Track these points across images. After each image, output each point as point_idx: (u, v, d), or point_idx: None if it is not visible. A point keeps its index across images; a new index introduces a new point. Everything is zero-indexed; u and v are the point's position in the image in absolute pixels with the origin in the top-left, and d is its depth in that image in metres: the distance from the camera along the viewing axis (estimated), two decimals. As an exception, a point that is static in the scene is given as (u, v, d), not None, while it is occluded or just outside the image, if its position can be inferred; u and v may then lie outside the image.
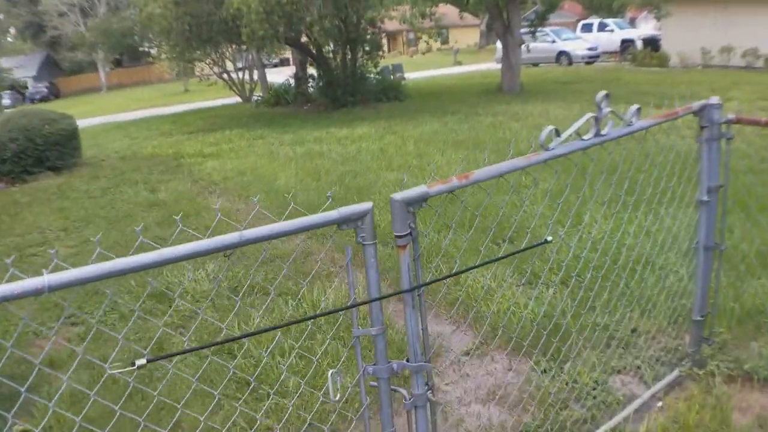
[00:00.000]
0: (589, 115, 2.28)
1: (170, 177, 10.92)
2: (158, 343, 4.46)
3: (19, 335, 4.88)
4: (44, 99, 50.74)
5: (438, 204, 3.82)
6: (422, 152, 10.26)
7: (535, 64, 29.77)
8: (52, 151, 12.64)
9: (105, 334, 4.64)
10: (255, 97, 24.69)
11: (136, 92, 45.10)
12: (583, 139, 2.33)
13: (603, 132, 2.38)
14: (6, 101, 44.87)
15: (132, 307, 5.26)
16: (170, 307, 5.03)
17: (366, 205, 1.84)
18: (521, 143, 9.30)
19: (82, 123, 25.24)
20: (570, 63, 29.44)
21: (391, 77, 22.41)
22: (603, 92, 2.28)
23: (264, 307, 4.89)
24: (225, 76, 25.15)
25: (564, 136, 2.16)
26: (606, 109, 2.28)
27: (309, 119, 17.18)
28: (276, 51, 20.87)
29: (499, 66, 19.01)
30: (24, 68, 52.68)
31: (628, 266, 4.06)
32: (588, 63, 29.27)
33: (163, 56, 20.03)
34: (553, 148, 2.17)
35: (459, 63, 37.70)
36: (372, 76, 19.92)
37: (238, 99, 25.70)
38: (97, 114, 30.15)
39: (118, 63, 59.28)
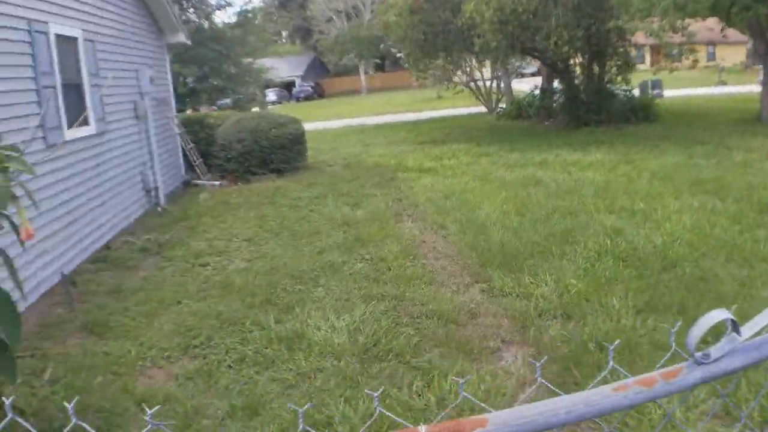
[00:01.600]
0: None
1: (378, 192, 10.39)
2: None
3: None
4: (308, 97, 54.39)
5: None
6: (654, 192, 8.55)
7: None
8: (276, 153, 12.84)
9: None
10: (498, 108, 23.72)
11: (392, 96, 46.43)
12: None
13: None
14: (272, 97, 48.77)
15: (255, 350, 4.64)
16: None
17: None
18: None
19: (330, 124, 26.56)
20: None
21: (649, 94, 20.23)
22: None
23: None
24: (472, 84, 24.45)
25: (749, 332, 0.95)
26: None
27: (544, 137, 15.82)
28: (518, 61, 19.75)
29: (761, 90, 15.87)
30: (293, 68, 56.92)
31: None
32: None
33: (406, 64, 19.90)
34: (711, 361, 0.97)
35: (723, 83, 33.45)
36: (622, 92, 17.91)
37: (484, 108, 24.88)
38: (351, 115, 31.32)
39: (379, 67, 61.79)
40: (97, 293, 6.48)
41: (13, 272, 3.32)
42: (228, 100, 24.53)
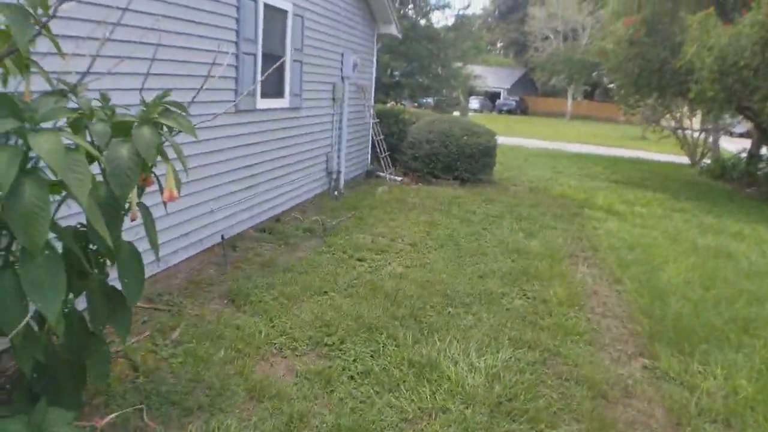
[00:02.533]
0: None
1: (558, 225, 9.67)
2: None
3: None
4: (511, 111, 53.70)
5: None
6: None
7: None
8: (462, 161, 12.48)
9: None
10: (702, 163, 21.76)
11: (595, 127, 44.49)
12: None
13: None
14: (475, 105, 48.56)
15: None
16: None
17: None
18: None
19: (527, 143, 25.81)
20: None
21: None
22: None
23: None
24: (680, 132, 22.64)
25: None
26: None
27: (743, 205, 14.06)
28: (730, 117, 17.92)
29: None
30: (501, 80, 56.39)
31: None
32: None
33: (615, 97, 18.70)
34: None
35: None
36: None
37: (687, 160, 22.97)
38: (549, 138, 30.35)
39: (589, 95, 59.61)
40: (252, 262, 6.47)
41: (151, 232, 3.19)
42: (430, 100, 24.55)
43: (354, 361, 4.44)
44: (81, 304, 3.17)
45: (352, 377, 4.22)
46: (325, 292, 5.79)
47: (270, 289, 5.68)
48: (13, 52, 2.53)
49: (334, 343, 4.70)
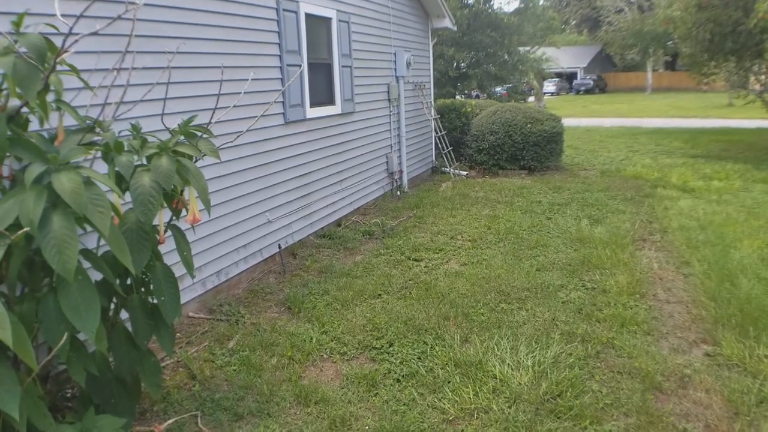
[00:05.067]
0: None
1: (627, 208, 9.44)
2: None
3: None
4: (589, 91, 52.38)
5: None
6: None
7: None
8: (528, 150, 12.36)
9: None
10: (790, 127, 20.63)
11: (678, 98, 42.83)
12: None
13: None
14: (551, 89, 47.67)
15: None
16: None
17: None
18: None
19: (603, 122, 25.14)
20: None
21: None
22: None
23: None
24: (766, 95, 21.48)
25: None
26: None
27: None
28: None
29: None
30: (577, 59, 54.98)
31: None
32: None
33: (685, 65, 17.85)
34: None
35: None
36: None
37: (774, 125, 21.82)
38: (629, 114, 29.49)
39: (670, 65, 57.40)
40: (310, 269, 6.67)
41: (184, 251, 3.38)
42: (500, 88, 24.30)
43: (400, 363, 4.53)
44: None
45: (397, 380, 4.31)
46: (379, 294, 5.91)
47: (324, 295, 5.85)
48: (27, 103, 2.75)
49: (382, 347, 4.81)
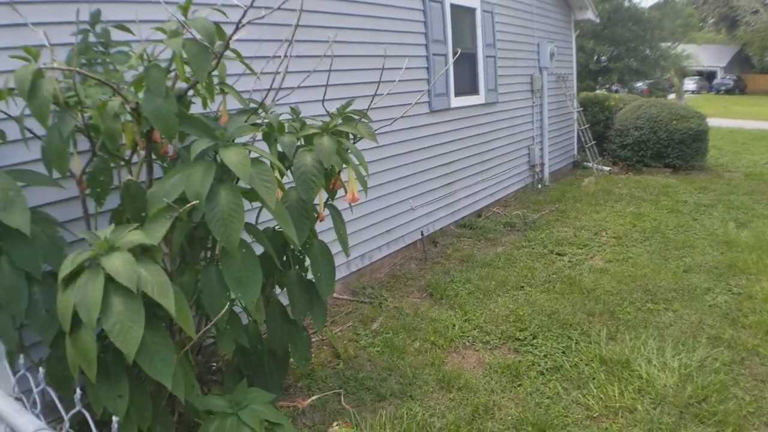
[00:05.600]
0: None
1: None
2: None
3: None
4: (729, 91, 49.20)
5: None
6: None
7: None
8: (673, 148, 11.71)
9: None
10: None
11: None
12: None
13: None
14: (691, 86, 45.03)
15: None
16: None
17: None
18: None
19: (745, 124, 23.36)
20: None
21: None
22: None
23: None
24: None
25: None
26: None
27: None
28: None
29: None
30: (715, 58, 51.49)
31: None
32: None
33: None
34: None
35: None
36: None
37: None
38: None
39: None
40: (451, 257, 6.67)
41: (341, 230, 3.46)
42: (641, 84, 23.26)
43: (544, 356, 4.44)
44: (284, 297, 3.54)
45: (541, 372, 4.22)
46: (521, 287, 5.81)
47: (466, 284, 5.83)
48: (196, 82, 2.89)
49: (525, 338, 4.73)
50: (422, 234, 6.85)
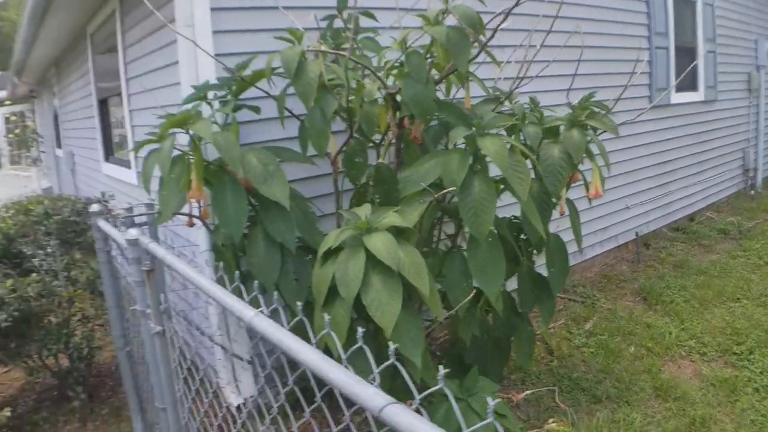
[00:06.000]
0: None
1: None
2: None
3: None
4: None
5: None
6: None
7: None
8: None
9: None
10: None
11: None
12: None
13: None
14: None
15: None
16: None
17: None
18: None
19: None
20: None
21: None
22: None
23: None
24: None
25: None
26: None
27: None
28: None
29: None
30: None
31: None
32: None
33: None
34: None
35: None
36: None
37: None
38: None
39: None
40: (664, 262, 6.37)
41: (576, 225, 3.41)
42: None
43: (761, 373, 4.11)
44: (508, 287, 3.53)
45: (756, 389, 3.92)
46: (738, 298, 5.42)
47: (681, 291, 5.53)
48: (454, 70, 2.93)
49: (742, 353, 4.40)
50: (637, 234, 6.59)
